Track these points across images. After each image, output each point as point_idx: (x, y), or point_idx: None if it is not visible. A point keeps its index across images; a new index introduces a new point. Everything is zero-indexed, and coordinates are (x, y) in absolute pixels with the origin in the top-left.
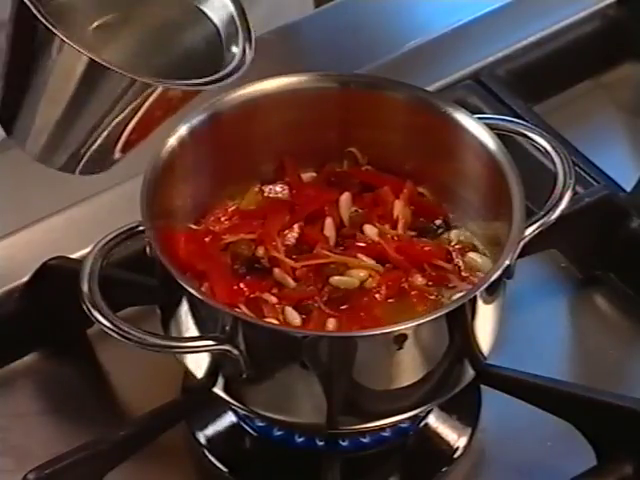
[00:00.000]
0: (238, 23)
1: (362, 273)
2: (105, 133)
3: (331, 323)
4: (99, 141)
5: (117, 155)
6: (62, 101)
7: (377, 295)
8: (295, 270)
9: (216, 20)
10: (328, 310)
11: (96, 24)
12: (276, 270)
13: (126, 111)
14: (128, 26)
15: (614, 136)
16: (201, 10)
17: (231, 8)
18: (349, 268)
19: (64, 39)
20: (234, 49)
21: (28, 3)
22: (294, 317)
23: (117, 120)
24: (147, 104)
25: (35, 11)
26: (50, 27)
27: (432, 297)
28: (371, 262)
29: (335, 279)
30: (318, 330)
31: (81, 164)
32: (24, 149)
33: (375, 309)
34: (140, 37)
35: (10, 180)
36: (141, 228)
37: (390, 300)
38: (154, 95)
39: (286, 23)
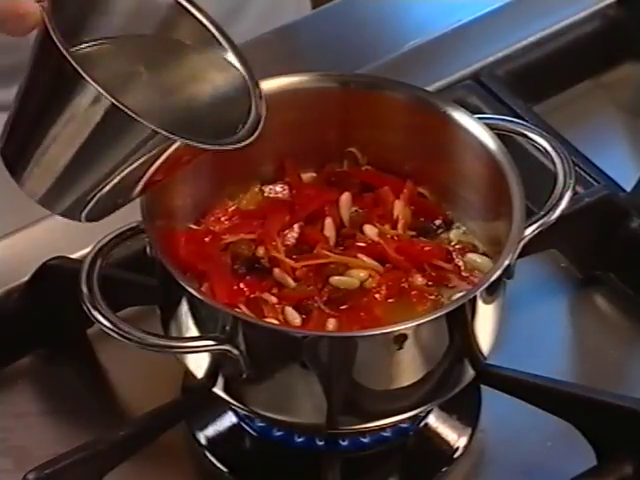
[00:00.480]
0: (252, 90)
1: (362, 273)
2: (115, 182)
3: (331, 323)
4: (108, 189)
5: (124, 202)
6: (75, 145)
7: (377, 295)
8: (295, 270)
9: (235, 78)
10: (328, 310)
11: (118, 73)
12: (276, 270)
13: (140, 162)
14: (151, 76)
15: (614, 136)
16: (229, 63)
17: (243, 73)
18: (349, 268)
19: (92, 83)
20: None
21: (59, 45)
22: (294, 317)
23: (129, 170)
24: (163, 157)
25: (65, 53)
26: (78, 70)
27: (432, 297)
28: (371, 262)
29: (335, 279)
30: (318, 330)
31: (85, 211)
32: (23, 188)
33: (375, 309)
34: (161, 88)
35: (10, 180)
36: (141, 228)
37: (390, 300)
38: (171, 149)
39: (287, 23)
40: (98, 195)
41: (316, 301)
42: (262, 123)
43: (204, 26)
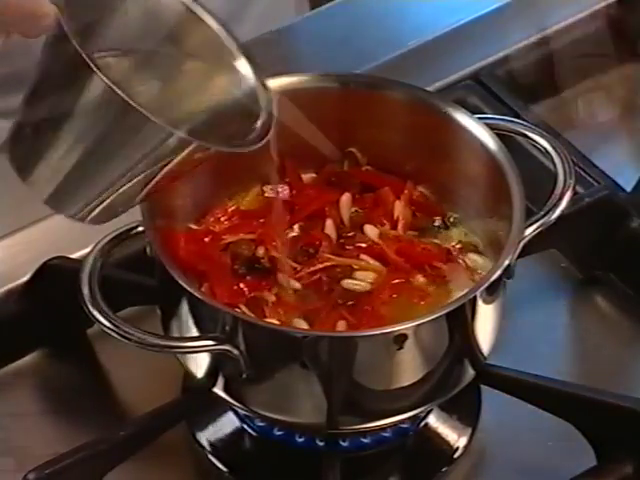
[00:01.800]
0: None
1: (370, 275)
2: (128, 184)
3: (339, 325)
4: (117, 191)
5: (129, 205)
6: (89, 145)
7: (380, 295)
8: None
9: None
10: (334, 312)
11: (125, 80)
12: (279, 275)
13: (153, 164)
14: (158, 85)
15: (614, 136)
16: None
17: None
18: (354, 270)
19: (108, 82)
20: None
21: (77, 46)
22: (300, 324)
23: (141, 172)
24: (176, 159)
25: (83, 54)
26: (95, 69)
27: (432, 297)
28: (374, 263)
29: (346, 282)
30: (318, 330)
31: (94, 213)
32: (32, 187)
33: (378, 309)
34: (169, 95)
35: (10, 180)
36: (141, 228)
37: (392, 300)
38: (186, 151)
39: (287, 23)
40: (107, 196)
41: (322, 306)
42: (274, 123)
43: (213, 31)
